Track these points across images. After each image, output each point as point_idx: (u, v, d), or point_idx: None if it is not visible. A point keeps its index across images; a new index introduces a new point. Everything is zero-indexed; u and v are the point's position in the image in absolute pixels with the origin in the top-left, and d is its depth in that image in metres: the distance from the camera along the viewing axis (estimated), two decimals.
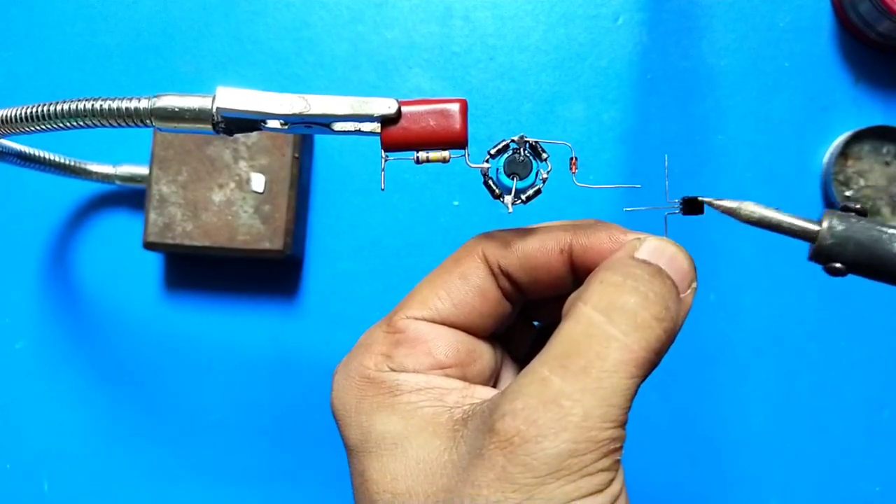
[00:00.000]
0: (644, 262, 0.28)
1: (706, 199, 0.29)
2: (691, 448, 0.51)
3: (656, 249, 0.28)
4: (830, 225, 0.27)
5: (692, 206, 0.29)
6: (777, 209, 0.28)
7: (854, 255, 0.27)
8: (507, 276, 0.30)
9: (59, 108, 0.30)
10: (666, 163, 0.30)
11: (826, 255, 0.27)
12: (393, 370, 0.28)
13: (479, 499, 0.25)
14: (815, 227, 0.27)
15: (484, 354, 0.31)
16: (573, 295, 0.28)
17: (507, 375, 0.33)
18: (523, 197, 0.28)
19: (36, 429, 0.52)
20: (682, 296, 0.28)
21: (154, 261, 0.52)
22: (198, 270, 0.52)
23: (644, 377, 0.26)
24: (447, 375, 0.29)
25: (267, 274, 0.52)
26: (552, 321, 0.34)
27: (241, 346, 0.52)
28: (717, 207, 0.28)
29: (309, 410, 0.51)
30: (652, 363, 0.27)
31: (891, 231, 0.27)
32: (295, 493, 0.51)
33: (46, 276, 0.53)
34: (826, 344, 0.51)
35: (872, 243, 0.26)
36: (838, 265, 0.27)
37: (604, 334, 0.26)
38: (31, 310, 0.53)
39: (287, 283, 0.52)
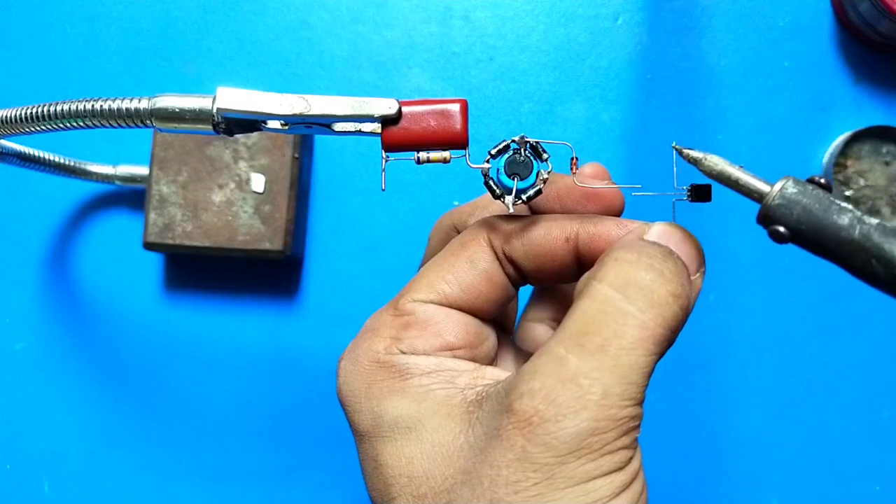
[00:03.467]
0: (655, 242, 0.28)
1: (676, 146, 0.28)
2: (691, 448, 0.51)
3: (665, 233, 0.28)
4: (783, 187, 0.26)
5: (700, 193, 0.29)
6: (741, 167, 0.27)
7: (797, 220, 0.26)
8: (512, 262, 0.29)
9: (59, 108, 0.30)
10: (674, 148, 0.29)
11: (771, 216, 0.26)
12: (403, 352, 0.28)
13: (499, 479, 0.25)
14: (767, 188, 0.26)
15: (490, 336, 0.31)
16: (587, 274, 0.28)
17: (504, 354, 0.33)
18: (524, 197, 0.28)
19: (36, 429, 0.52)
20: (692, 278, 0.28)
21: (154, 261, 0.52)
22: (198, 270, 0.52)
23: (661, 354, 0.26)
24: (456, 357, 0.29)
25: (267, 274, 0.52)
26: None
27: (241, 346, 0.52)
28: (685, 156, 0.28)
29: (309, 410, 0.51)
30: (669, 340, 0.26)
31: (844, 205, 0.26)
32: (295, 493, 0.51)
33: (46, 276, 0.53)
34: (826, 344, 0.51)
35: (820, 211, 0.26)
36: (781, 229, 0.26)
37: (620, 311, 0.26)
38: (31, 310, 0.53)
39: (287, 283, 0.52)
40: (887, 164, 0.51)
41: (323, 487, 0.51)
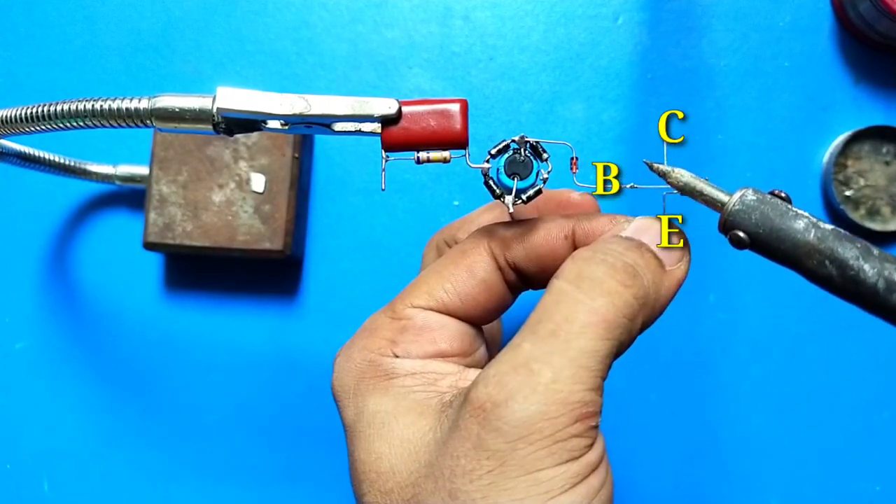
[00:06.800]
0: (625, 238, 0.28)
1: (646, 161, 0.30)
2: (691, 448, 0.51)
3: (641, 226, 0.29)
4: (744, 195, 0.27)
5: None
6: (706, 180, 0.29)
7: (756, 224, 0.27)
8: (515, 267, 0.30)
9: (59, 108, 0.30)
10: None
11: (732, 221, 0.27)
12: (396, 356, 0.29)
13: (457, 469, 0.25)
14: (727, 197, 0.28)
15: (483, 343, 0.31)
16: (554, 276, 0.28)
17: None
18: (524, 197, 0.28)
19: (36, 429, 0.52)
20: (668, 268, 0.28)
21: (154, 261, 0.52)
22: (198, 270, 0.52)
23: (619, 341, 0.26)
24: (445, 361, 0.29)
25: (267, 274, 0.52)
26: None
27: (241, 346, 0.52)
28: (655, 170, 0.29)
29: (309, 410, 0.51)
30: (625, 328, 0.27)
31: (800, 211, 0.27)
32: (295, 493, 0.51)
33: (46, 276, 0.53)
34: (826, 344, 0.51)
35: (777, 216, 0.27)
36: (741, 234, 0.27)
37: (572, 299, 0.26)
38: (31, 310, 0.53)
39: (287, 283, 0.52)
40: (887, 164, 0.51)
41: (323, 487, 0.51)
